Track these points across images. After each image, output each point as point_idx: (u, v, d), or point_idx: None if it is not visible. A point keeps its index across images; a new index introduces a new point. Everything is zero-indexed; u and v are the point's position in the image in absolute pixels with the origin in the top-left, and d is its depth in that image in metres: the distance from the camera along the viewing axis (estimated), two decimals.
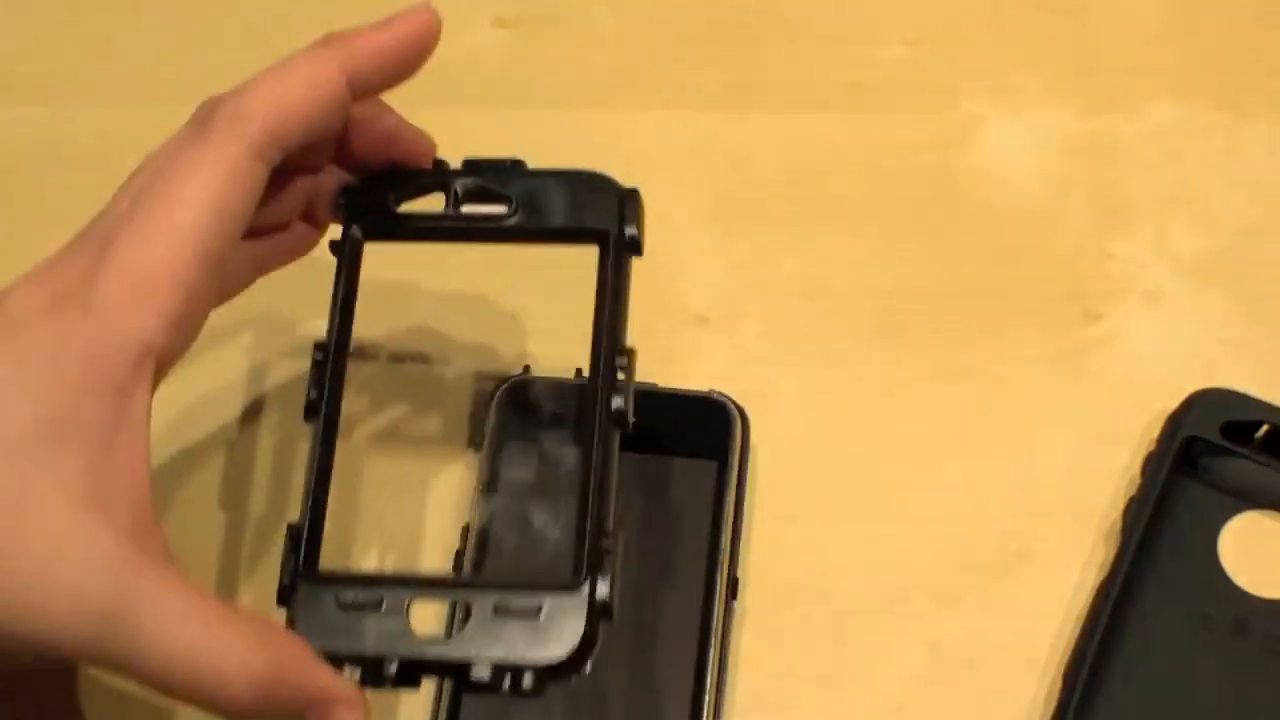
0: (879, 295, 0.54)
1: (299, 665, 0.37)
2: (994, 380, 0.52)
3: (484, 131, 0.57)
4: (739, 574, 0.48)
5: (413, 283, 0.55)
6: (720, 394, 0.50)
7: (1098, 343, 0.53)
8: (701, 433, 0.49)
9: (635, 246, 0.44)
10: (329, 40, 0.42)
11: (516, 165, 0.45)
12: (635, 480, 0.49)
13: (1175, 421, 0.50)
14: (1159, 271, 0.54)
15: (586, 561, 0.39)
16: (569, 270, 0.53)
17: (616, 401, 0.42)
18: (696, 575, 0.47)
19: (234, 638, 0.36)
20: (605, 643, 0.40)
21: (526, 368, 0.51)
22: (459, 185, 0.45)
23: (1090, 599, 0.48)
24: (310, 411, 0.43)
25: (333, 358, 0.43)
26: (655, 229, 0.55)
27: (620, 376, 0.42)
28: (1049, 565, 0.49)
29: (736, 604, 0.47)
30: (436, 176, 0.45)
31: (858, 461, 0.51)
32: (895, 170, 0.56)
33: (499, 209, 0.44)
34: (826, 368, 0.53)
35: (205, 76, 0.59)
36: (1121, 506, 0.49)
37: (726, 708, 0.47)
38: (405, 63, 0.44)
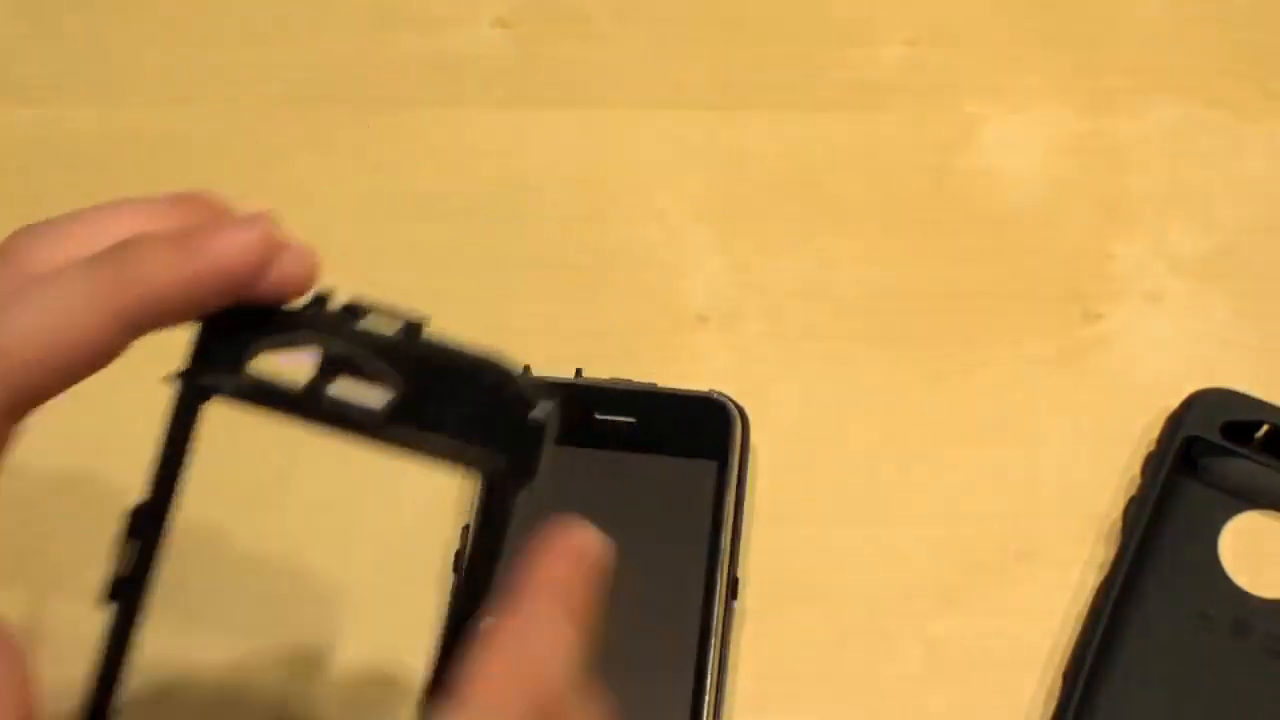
0: (879, 295, 0.54)
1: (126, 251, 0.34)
2: (994, 380, 0.52)
3: (484, 131, 0.58)
4: (739, 574, 0.48)
5: (410, 282, 0.55)
6: (720, 394, 0.50)
7: (1098, 343, 0.53)
8: (701, 433, 0.49)
9: (529, 472, 0.34)
10: (116, 261, 0.34)
11: (410, 332, 0.35)
12: (634, 480, 0.49)
13: (1175, 421, 0.50)
14: (1159, 271, 0.54)
15: None
16: (570, 271, 0.53)
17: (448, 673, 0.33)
18: (696, 575, 0.47)
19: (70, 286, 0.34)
20: (604, 643, 0.36)
21: (526, 368, 0.51)
22: (332, 351, 0.35)
23: (1090, 599, 0.48)
24: (115, 592, 0.35)
25: (152, 527, 0.35)
26: (655, 229, 0.56)
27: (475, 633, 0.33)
28: (1049, 565, 0.49)
29: (736, 604, 0.47)
30: (307, 329, 0.35)
31: (858, 461, 0.51)
32: (895, 170, 0.56)
33: (373, 398, 0.35)
34: (826, 368, 0.53)
35: (205, 76, 0.59)
36: (1121, 506, 0.49)
37: (726, 708, 0.47)
38: (225, 297, 0.34)
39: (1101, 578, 0.48)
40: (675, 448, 0.49)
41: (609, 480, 0.49)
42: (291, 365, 0.35)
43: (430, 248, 0.55)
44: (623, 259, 0.55)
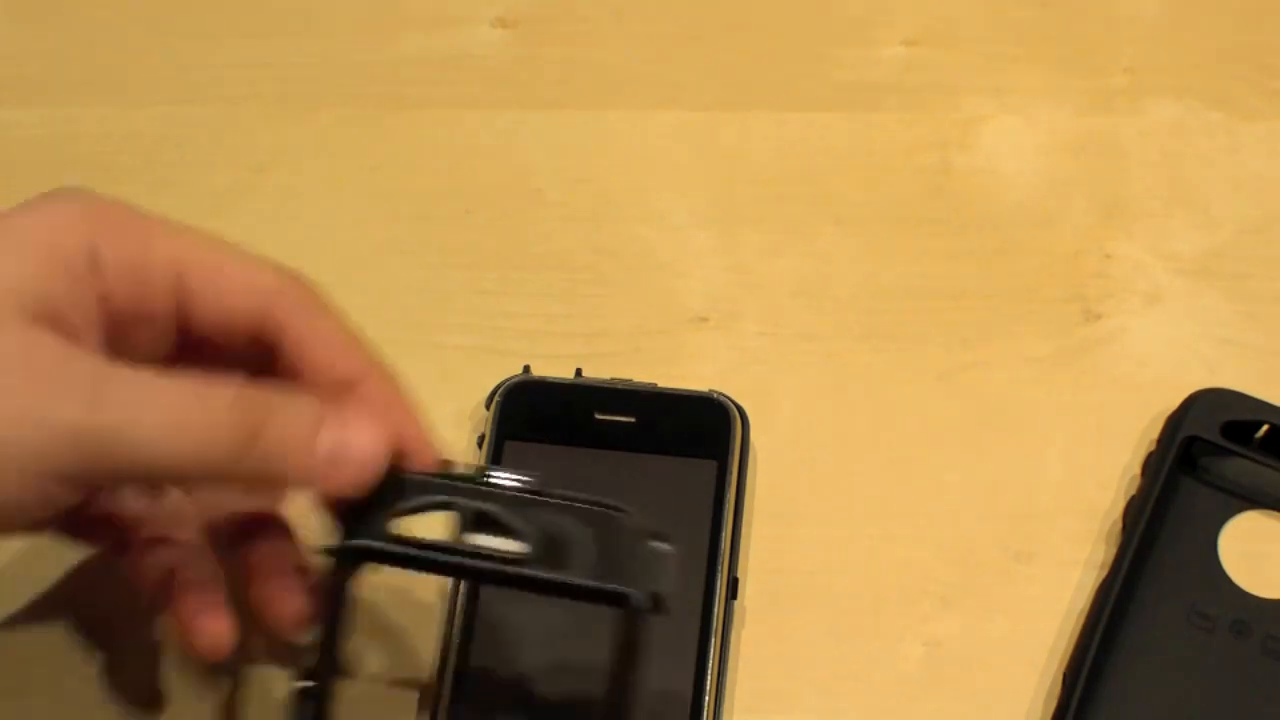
0: (879, 295, 0.54)
1: (266, 399, 0.38)
2: (994, 380, 0.52)
3: (484, 131, 0.58)
4: (739, 574, 0.48)
5: (411, 282, 0.55)
6: (720, 394, 0.50)
7: (1098, 343, 0.53)
8: (701, 432, 0.49)
9: (659, 606, 0.39)
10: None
11: (534, 491, 0.39)
12: (634, 480, 0.49)
13: (1175, 421, 0.50)
14: (1159, 271, 0.54)
15: None
16: (570, 271, 0.53)
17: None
18: (696, 575, 0.47)
19: (200, 396, 0.37)
20: (603, 644, 0.40)
21: (526, 368, 0.51)
22: (469, 507, 0.39)
23: (1090, 599, 0.48)
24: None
25: (321, 690, 0.40)
26: (655, 229, 0.56)
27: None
28: (1049, 565, 0.49)
29: (736, 604, 0.47)
30: (441, 491, 0.39)
31: (858, 461, 0.51)
32: (895, 170, 0.56)
33: (513, 547, 0.38)
34: (826, 367, 0.53)
35: (205, 76, 0.59)
36: (1121, 506, 0.49)
37: (726, 707, 0.47)
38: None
39: (1101, 578, 0.48)
40: (675, 447, 0.49)
41: (609, 480, 0.49)
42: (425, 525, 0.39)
43: (430, 248, 0.55)
44: (623, 259, 0.55)
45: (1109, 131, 0.57)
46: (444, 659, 0.46)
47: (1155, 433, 0.50)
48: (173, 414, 0.37)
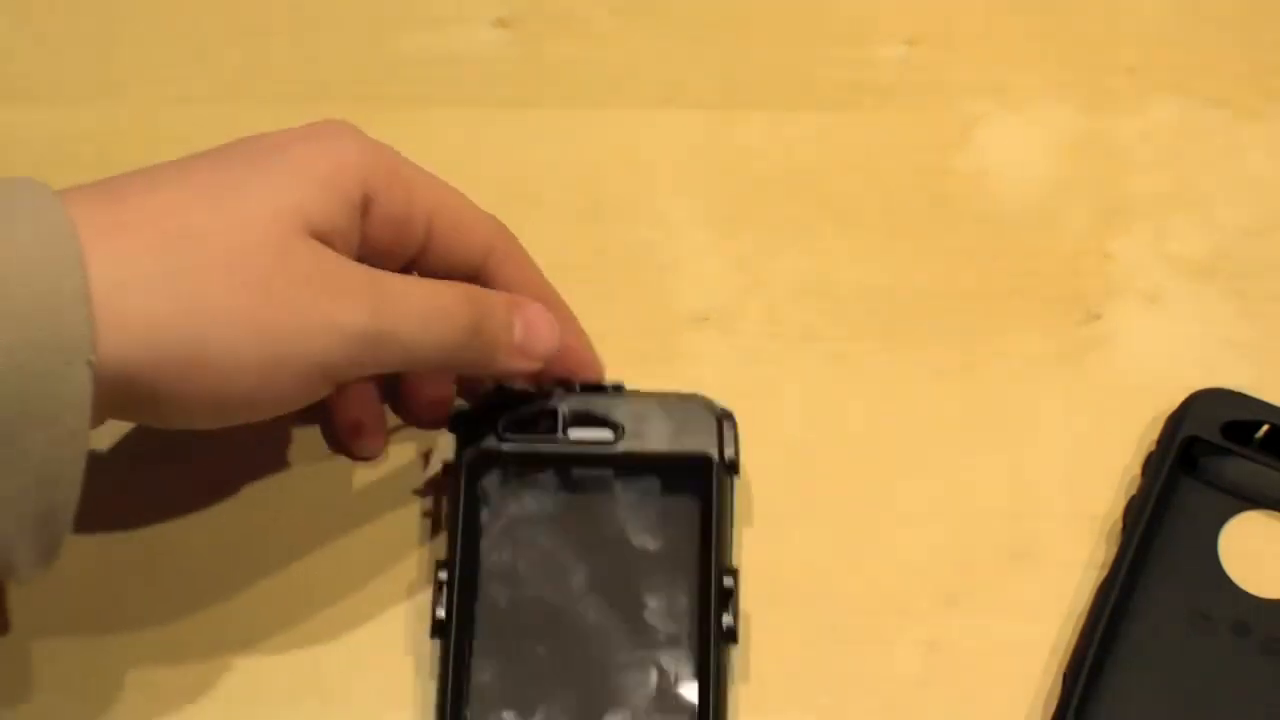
0: (879, 295, 0.54)
1: (485, 294, 0.45)
2: (994, 380, 0.52)
3: (484, 131, 0.58)
4: (734, 571, 0.47)
5: None
6: (702, 395, 0.49)
7: (1098, 343, 0.53)
8: (686, 434, 0.48)
9: (734, 468, 0.47)
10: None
11: (619, 390, 0.48)
12: (623, 486, 0.48)
13: (1175, 421, 0.50)
14: (1159, 271, 0.54)
15: None
16: (569, 272, 0.53)
17: (727, 620, 0.45)
18: (691, 579, 0.47)
19: (444, 293, 0.43)
20: (605, 648, 0.46)
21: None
22: (565, 409, 0.47)
23: (1090, 599, 0.48)
24: (437, 630, 0.45)
25: (457, 576, 0.46)
26: (655, 229, 0.56)
27: (729, 592, 0.46)
28: (1049, 565, 0.49)
29: (733, 603, 0.47)
30: (544, 401, 0.48)
31: (858, 461, 0.51)
32: (895, 170, 0.56)
33: (605, 434, 0.47)
34: (826, 368, 0.53)
35: (205, 77, 0.59)
36: (1121, 506, 0.49)
37: (730, 710, 0.46)
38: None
39: (1101, 578, 0.48)
40: (661, 450, 0.48)
41: (596, 490, 0.48)
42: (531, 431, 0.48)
43: None
44: (623, 259, 0.55)
45: (1109, 131, 0.57)
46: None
47: (1155, 433, 0.50)
48: (427, 307, 0.43)
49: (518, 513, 0.48)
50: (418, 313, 0.42)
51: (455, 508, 0.47)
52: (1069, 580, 0.49)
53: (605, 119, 0.58)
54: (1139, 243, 0.55)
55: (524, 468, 0.48)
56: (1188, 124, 0.57)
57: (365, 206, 0.43)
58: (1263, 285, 0.54)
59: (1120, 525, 0.49)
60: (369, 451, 0.50)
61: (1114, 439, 0.51)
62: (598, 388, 0.48)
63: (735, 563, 0.47)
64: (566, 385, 0.48)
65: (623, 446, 0.47)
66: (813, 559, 0.49)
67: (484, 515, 0.47)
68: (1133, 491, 0.49)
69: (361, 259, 0.43)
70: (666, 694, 0.46)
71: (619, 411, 0.48)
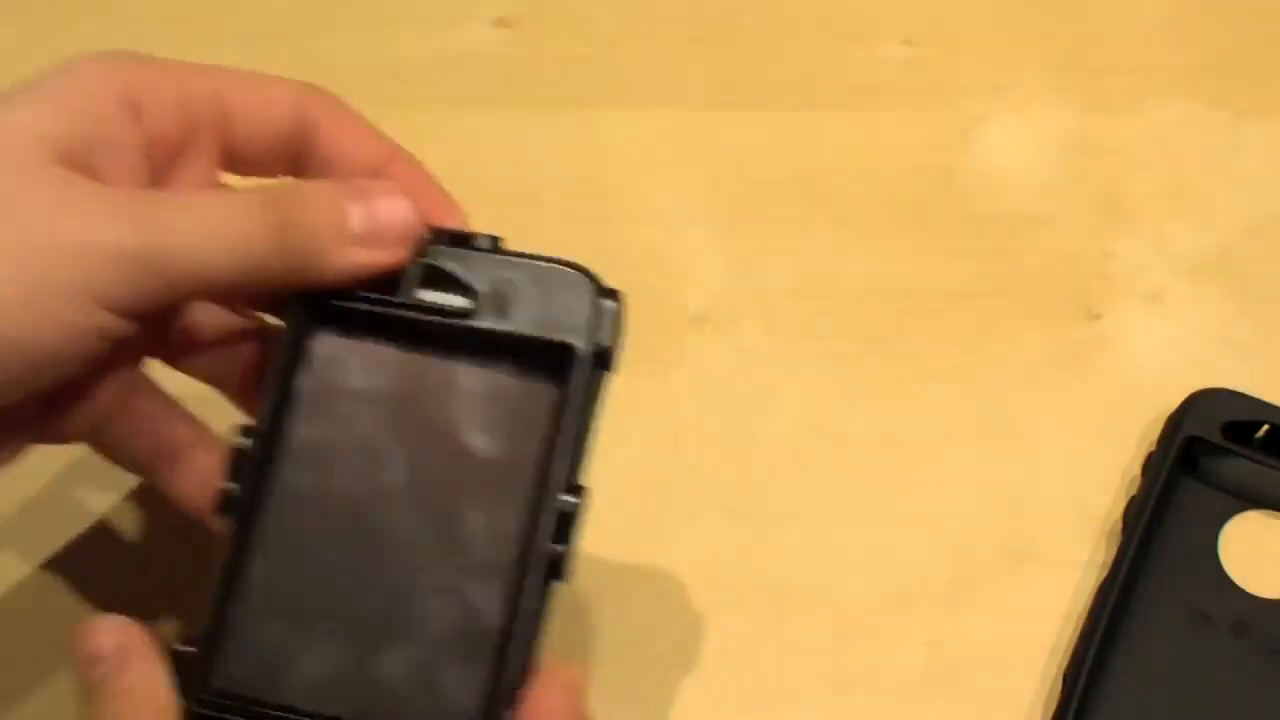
0: (879, 295, 0.54)
1: (291, 191, 0.40)
2: (994, 380, 0.52)
3: (484, 131, 0.58)
4: (581, 490, 0.39)
5: None
6: (584, 268, 0.40)
7: (1098, 343, 0.53)
8: (554, 313, 0.39)
9: (606, 362, 0.39)
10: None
11: (492, 247, 0.39)
12: (470, 370, 0.39)
13: (1175, 421, 0.50)
14: (1159, 271, 0.54)
15: None
16: None
17: (556, 550, 0.37)
18: (531, 495, 0.38)
19: (232, 200, 0.39)
20: (408, 565, 0.38)
21: (496, 238, 0.41)
22: (419, 264, 0.39)
23: (1090, 599, 0.48)
24: (225, 506, 0.38)
25: (261, 448, 0.38)
26: (655, 229, 0.56)
27: (568, 516, 0.38)
28: (1049, 565, 0.49)
29: (571, 532, 0.38)
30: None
31: (858, 461, 0.51)
32: (895, 170, 0.56)
33: (459, 302, 0.39)
34: (826, 368, 0.53)
35: None
36: (1122, 506, 0.49)
37: (726, 708, 0.46)
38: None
39: (1101, 578, 0.48)
40: (519, 333, 0.39)
41: (437, 371, 0.40)
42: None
43: None
44: (623, 259, 0.54)
45: (1109, 131, 0.57)
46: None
47: (1155, 433, 0.50)
48: (208, 221, 0.38)
49: (341, 384, 0.39)
50: (199, 226, 0.37)
51: (272, 367, 0.39)
52: (1069, 580, 0.49)
53: (605, 119, 0.58)
54: (1139, 243, 0.55)
55: (358, 331, 0.39)
56: (1188, 124, 0.57)
57: (133, 105, 0.39)
58: (1263, 285, 0.54)
59: (1120, 525, 0.49)
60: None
61: (1114, 439, 0.51)
62: (466, 239, 0.39)
63: (587, 482, 0.38)
64: (432, 232, 0.39)
65: (476, 320, 0.38)
66: (813, 559, 0.49)
67: (305, 383, 0.39)
68: (1133, 491, 0.49)
69: (159, 166, 0.40)
70: (466, 634, 0.38)
71: (483, 276, 0.39)
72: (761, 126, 0.58)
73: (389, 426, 0.39)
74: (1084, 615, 0.48)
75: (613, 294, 0.39)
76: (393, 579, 0.38)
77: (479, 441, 0.39)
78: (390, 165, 0.42)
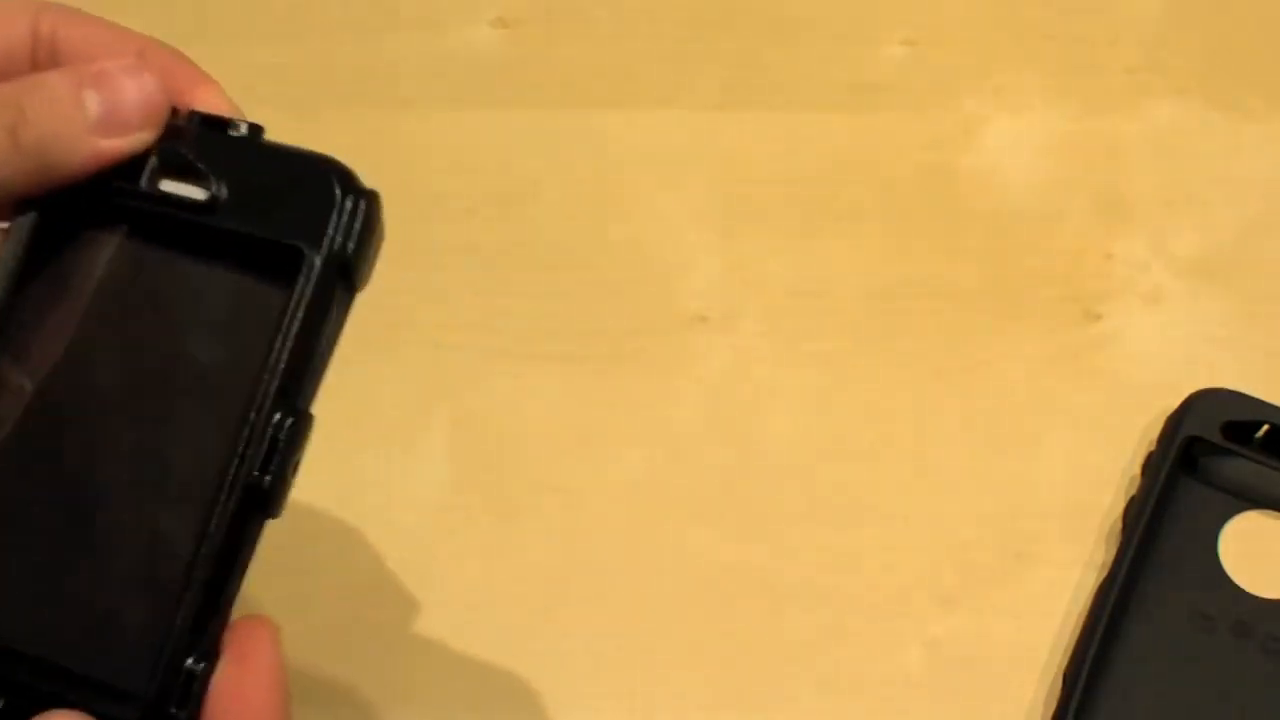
0: (879, 295, 0.54)
1: (14, 89, 0.36)
2: (994, 380, 0.52)
3: (484, 131, 0.58)
4: (300, 414, 0.34)
5: (411, 282, 0.55)
6: (338, 164, 0.36)
7: (1098, 343, 0.53)
8: (295, 212, 0.35)
9: (348, 272, 0.34)
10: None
11: (251, 135, 0.35)
12: (202, 270, 0.35)
13: (1175, 421, 0.50)
14: (1159, 271, 0.54)
15: (159, 682, 0.32)
16: (570, 271, 0.53)
17: (262, 479, 0.33)
18: (242, 406, 0.34)
19: None
20: (102, 488, 0.34)
21: (256, 125, 0.37)
22: (163, 151, 0.35)
23: (1090, 599, 0.48)
24: None
25: None
26: (655, 229, 0.56)
27: (278, 440, 0.33)
28: (1049, 565, 0.49)
29: (282, 457, 0.34)
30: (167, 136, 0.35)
31: (857, 461, 0.51)
32: (895, 170, 0.56)
33: (198, 194, 0.35)
34: (826, 367, 0.53)
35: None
36: (1122, 506, 0.49)
37: (725, 707, 0.46)
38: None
39: (1101, 578, 0.48)
40: (252, 233, 0.35)
41: (169, 268, 0.35)
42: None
43: (430, 248, 0.55)
44: (623, 259, 0.55)
45: (1109, 131, 0.57)
46: None
47: (1155, 433, 0.50)
48: None
49: (65, 278, 0.35)
50: None
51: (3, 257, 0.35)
52: (1069, 580, 0.49)
53: (605, 119, 0.58)
54: (1139, 243, 0.55)
55: (90, 220, 0.35)
56: (1188, 124, 0.57)
57: None
58: (1263, 285, 0.54)
59: (1120, 525, 0.49)
60: None
61: (1114, 439, 0.51)
62: (222, 125, 0.35)
63: (311, 407, 0.34)
64: (187, 116, 0.35)
65: (212, 217, 0.34)
66: (812, 559, 0.49)
67: (33, 287, 0.35)
68: (1133, 491, 0.49)
69: None
70: (157, 571, 0.33)
71: (230, 167, 0.34)
72: (761, 126, 0.58)
73: (115, 331, 0.35)
74: (1084, 615, 0.48)
75: (363, 194, 0.35)
76: (83, 504, 0.34)
77: (203, 351, 0.35)
78: (145, 56, 0.38)
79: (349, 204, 0.34)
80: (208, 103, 0.37)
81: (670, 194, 0.56)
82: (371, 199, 0.35)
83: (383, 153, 0.57)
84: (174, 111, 0.35)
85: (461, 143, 0.57)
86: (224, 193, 0.34)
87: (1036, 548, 0.49)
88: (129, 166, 0.35)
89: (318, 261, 0.34)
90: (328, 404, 0.51)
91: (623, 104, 0.58)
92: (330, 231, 0.34)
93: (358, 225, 0.34)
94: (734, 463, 0.51)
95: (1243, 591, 0.48)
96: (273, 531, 0.50)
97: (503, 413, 0.52)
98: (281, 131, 0.61)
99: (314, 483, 0.50)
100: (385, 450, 0.51)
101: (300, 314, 0.33)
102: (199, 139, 0.35)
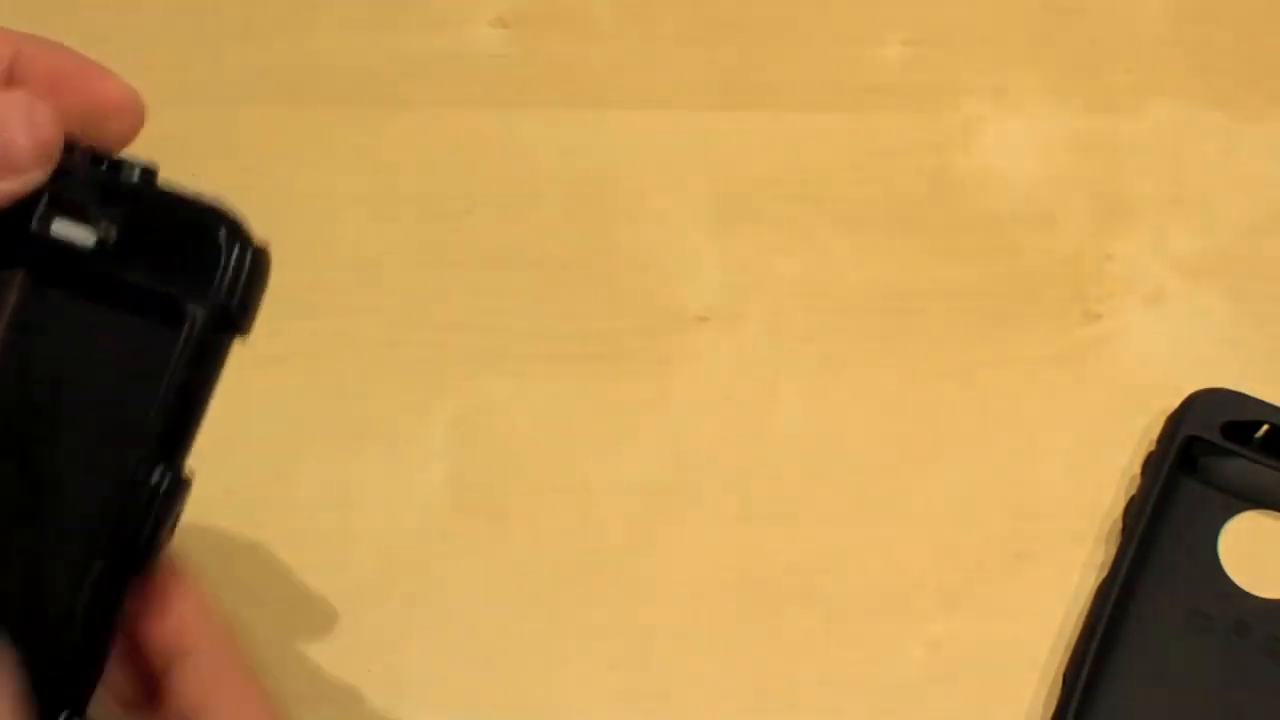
0: (879, 295, 0.54)
1: None
2: (994, 380, 0.52)
3: (484, 131, 0.58)
4: (178, 475, 0.34)
5: (411, 282, 0.55)
6: (225, 211, 0.34)
7: (1098, 343, 0.53)
8: (182, 260, 0.34)
9: (232, 322, 0.34)
10: None
11: (142, 180, 0.34)
12: (92, 313, 0.34)
13: (1175, 421, 0.50)
14: (1159, 271, 0.54)
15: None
16: (570, 271, 0.53)
17: (138, 533, 0.33)
18: (114, 461, 0.33)
19: None
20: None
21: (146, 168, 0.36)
22: (59, 188, 0.34)
23: (1090, 599, 0.48)
24: None
25: None
26: (655, 229, 0.56)
27: (150, 499, 0.33)
28: (1049, 565, 0.49)
29: (158, 516, 0.34)
30: (60, 173, 0.34)
31: (858, 461, 0.51)
32: (895, 170, 0.56)
33: (86, 238, 0.34)
34: (826, 368, 0.53)
35: (205, 76, 0.59)
36: (1121, 506, 0.49)
37: (725, 708, 0.46)
38: None
39: (1101, 578, 0.48)
40: (136, 282, 0.34)
41: (60, 309, 0.34)
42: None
43: (430, 248, 0.55)
44: (623, 259, 0.55)
45: (1109, 131, 0.57)
46: None
47: (1155, 433, 0.50)
48: None
49: None
50: None
51: None
52: (1069, 580, 0.49)
53: (605, 119, 0.58)
54: (1139, 243, 0.55)
55: None
56: (1188, 124, 0.57)
57: None
58: (1263, 285, 0.54)
59: (1120, 525, 0.49)
60: None
61: (1114, 439, 0.51)
62: (113, 165, 0.34)
63: (187, 466, 0.34)
64: (79, 152, 0.34)
65: (98, 264, 0.33)
66: (813, 559, 0.49)
67: None
68: (1133, 491, 0.49)
69: None
70: (28, 618, 0.33)
71: (121, 210, 0.34)
72: (761, 126, 0.57)
73: (12, 371, 0.34)
74: (1084, 615, 0.48)
75: (248, 244, 0.34)
76: None
77: (92, 397, 0.34)
78: (22, 62, 0.36)
79: (236, 256, 0.33)
80: (108, 97, 0.36)
81: (670, 194, 0.56)
82: (260, 253, 0.34)
83: (383, 153, 0.57)
84: (67, 148, 0.34)
85: (461, 143, 0.57)
86: (113, 236, 0.34)
87: (1036, 548, 0.49)
88: (20, 205, 0.33)
89: (200, 315, 0.33)
90: (328, 404, 0.52)
91: (623, 104, 0.58)
92: (216, 283, 0.33)
93: (243, 279, 0.33)
94: (734, 463, 0.51)
95: (1243, 591, 0.48)
96: (273, 531, 0.50)
97: (503, 413, 0.52)
98: (282, 131, 0.61)
99: (314, 483, 0.50)
100: (385, 450, 0.51)
101: (180, 368, 0.33)
102: (90, 179, 0.34)
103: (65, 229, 0.34)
